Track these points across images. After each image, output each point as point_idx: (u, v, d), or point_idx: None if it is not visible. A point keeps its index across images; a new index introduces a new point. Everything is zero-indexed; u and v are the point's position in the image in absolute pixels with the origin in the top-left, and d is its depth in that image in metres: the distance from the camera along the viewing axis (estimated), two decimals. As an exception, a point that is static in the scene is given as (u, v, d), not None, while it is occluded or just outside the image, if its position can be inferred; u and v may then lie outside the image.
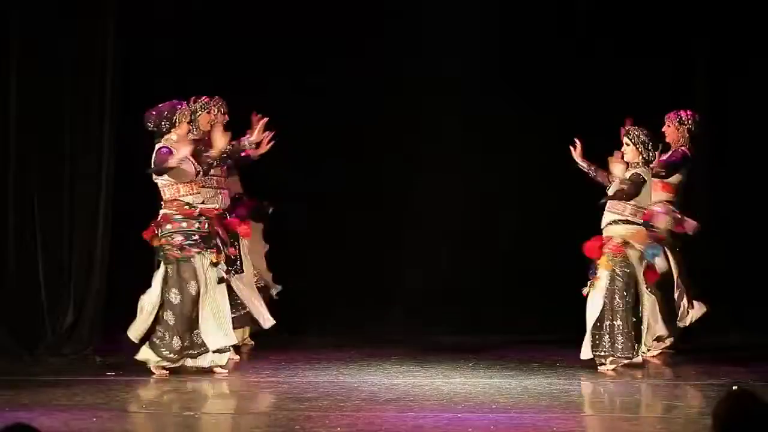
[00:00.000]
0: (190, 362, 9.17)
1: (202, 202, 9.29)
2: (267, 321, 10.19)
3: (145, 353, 9.10)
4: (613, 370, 9.21)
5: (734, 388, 4.21)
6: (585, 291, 9.38)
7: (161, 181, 9.13)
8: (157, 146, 9.08)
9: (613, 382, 8.89)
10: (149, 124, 9.14)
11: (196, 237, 9.10)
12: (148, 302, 9.13)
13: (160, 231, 9.13)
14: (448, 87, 11.41)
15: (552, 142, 11.46)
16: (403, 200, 11.44)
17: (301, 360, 9.82)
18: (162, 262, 9.12)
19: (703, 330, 10.27)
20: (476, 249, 11.39)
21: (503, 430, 7.23)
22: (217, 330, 9.12)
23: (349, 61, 11.35)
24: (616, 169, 9.37)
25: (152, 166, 9.05)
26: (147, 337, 9.12)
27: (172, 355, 9.07)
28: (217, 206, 9.61)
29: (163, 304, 9.07)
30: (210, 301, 9.12)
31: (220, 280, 9.20)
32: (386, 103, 11.36)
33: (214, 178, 9.81)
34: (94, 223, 9.92)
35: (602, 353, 9.28)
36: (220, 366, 9.21)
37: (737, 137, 11.10)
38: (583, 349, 9.34)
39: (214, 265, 9.13)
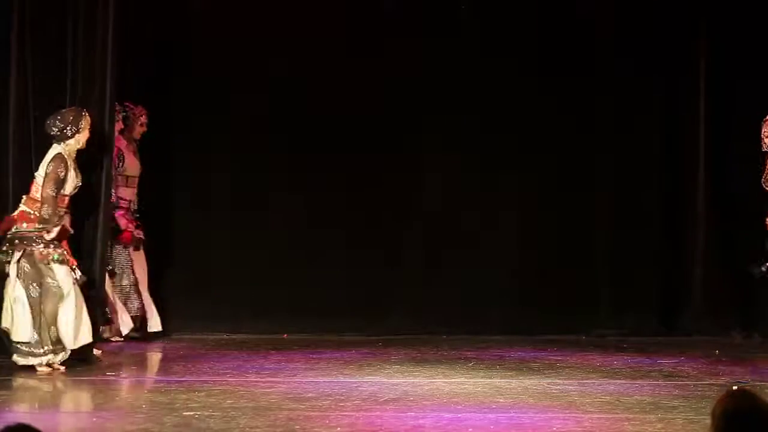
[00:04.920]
0: (33, 360, 9.12)
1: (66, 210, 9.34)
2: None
3: (19, 359, 9.14)
4: None
5: (734, 387, 4.20)
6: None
7: (40, 181, 9.17)
8: (52, 152, 9.15)
9: (612, 382, 8.89)
10: (54, 129, 9.20)
11: (50, 238, 9.13)
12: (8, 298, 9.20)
13: (16, 228, 9.16)
14: (452, 81, 11.42)
15: (548, 143, 11.50)
16: (404, 199, 11.43)
17: (301, 360, 9.82)
18: (15, 259, 9.13)
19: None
20: (476, 249, 11.39)
21: (503, 430, 7.23)
22: (69, 330, 9.13)
23: (349, 60, 11.35)
24: None
25: (50, 179, 9.06)
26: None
27: (40, 350, 9.07)
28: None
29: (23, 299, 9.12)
30: (67, 301, 9.13)
31: (74, 281, 9.22)
32: (387, 102, 11.36)
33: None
34: (94, 222, 9.91)
35: None
36: (57, 364, 9.17)
37: (738, 138, 11.09)
38: None
39: (61, 263, 9.14)
